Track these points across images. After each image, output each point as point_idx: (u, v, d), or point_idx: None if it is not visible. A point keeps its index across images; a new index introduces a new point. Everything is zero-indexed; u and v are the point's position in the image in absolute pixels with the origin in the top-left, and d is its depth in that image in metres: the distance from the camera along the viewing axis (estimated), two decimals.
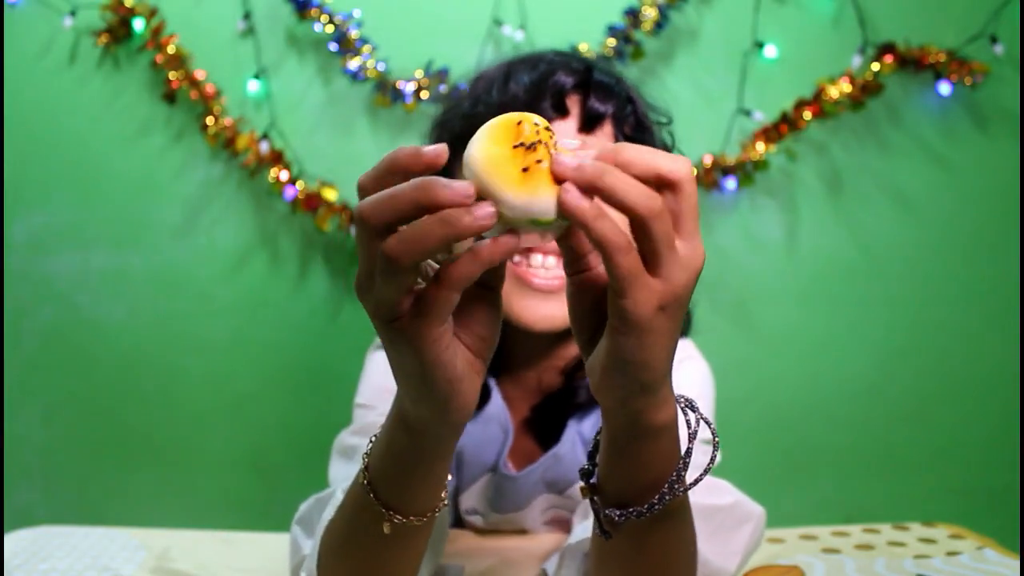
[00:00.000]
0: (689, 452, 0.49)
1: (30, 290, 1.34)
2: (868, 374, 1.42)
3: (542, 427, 0.86)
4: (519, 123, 0.43)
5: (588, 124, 0.78)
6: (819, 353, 1.42)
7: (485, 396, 0.86)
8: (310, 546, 0.64)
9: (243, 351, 1.37)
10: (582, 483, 0.53)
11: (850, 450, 1.43)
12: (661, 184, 0.42)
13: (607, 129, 0.79)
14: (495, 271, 0.47)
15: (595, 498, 0.52)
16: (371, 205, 0.41)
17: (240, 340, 1.36)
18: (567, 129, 0.77)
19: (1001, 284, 1.42)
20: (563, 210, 0.41)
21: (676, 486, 0.49)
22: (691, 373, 0.86)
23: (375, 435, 0.54)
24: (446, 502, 0.55)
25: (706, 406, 0.85)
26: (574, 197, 0.40)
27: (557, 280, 0.78)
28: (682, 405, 0.51)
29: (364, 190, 0.43)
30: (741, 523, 0.70)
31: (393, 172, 0.42)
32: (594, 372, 0.46)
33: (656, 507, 0.48)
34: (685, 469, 0.49)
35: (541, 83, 0.78)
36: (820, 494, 1.43)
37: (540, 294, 0.78)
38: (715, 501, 0.69)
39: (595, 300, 0.46)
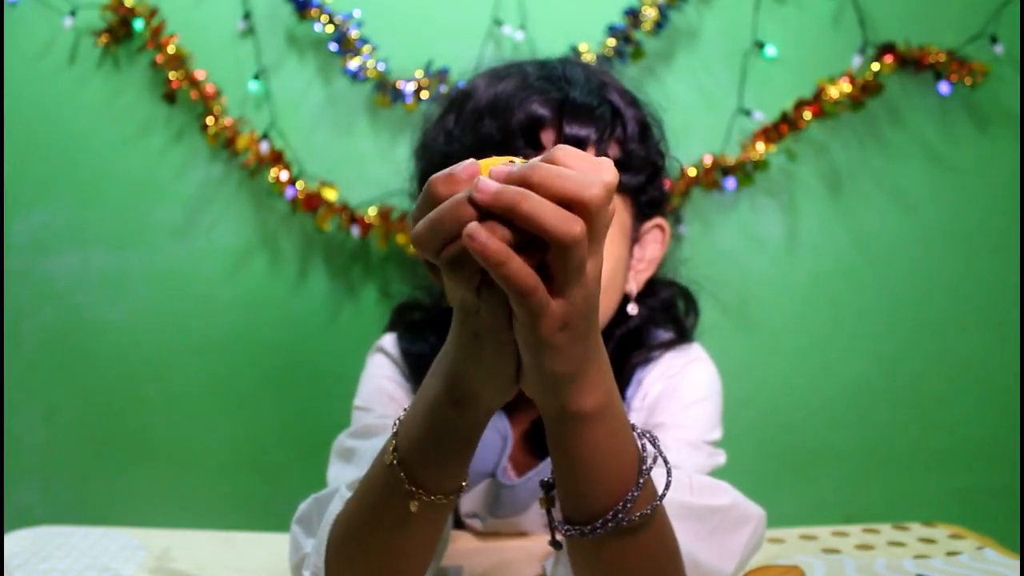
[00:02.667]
0: (639, 484, 0.51)
1: (30, 290, 1.34)
2: (868, 374, 1.42)
3: (543, 436, 0.86)
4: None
5: None
6: (819, 353, 1.41)
7: None
8: (311, 544, 0.64)
9: (243, 351, 1.37)
10: (542, 494, 0.55)
11: (850, 450, 1.43)
12: (572, 206, 0.42)
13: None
14: None
15: (551, 510, 0.55)
16: (423, 234, 0.44)
17: (240, 340, 1.36)
18: None
19: (1001, 284, 1.42)
20: (472, 251, 0.41)
21: (620, 515, 0.51)
22: (699, 375, 0.87)
23: (399, 419, 0.56)
24: (469, 478, 0.58)
25: (713, 409, 0.85)
26: (481, 239, 0.41)
27: None
28: (641, 436, 0.53)
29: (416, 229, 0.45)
30: (739, 524, 0.70)
31: (435, 202, 0.44)
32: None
33: (599, 530, 0.51)
34: (634, 499, 0.51)
35: (512, 116, 0.76)
36: (820, 494, 1.43)
37: None
38: (712, 502, 0.69)
39: None
